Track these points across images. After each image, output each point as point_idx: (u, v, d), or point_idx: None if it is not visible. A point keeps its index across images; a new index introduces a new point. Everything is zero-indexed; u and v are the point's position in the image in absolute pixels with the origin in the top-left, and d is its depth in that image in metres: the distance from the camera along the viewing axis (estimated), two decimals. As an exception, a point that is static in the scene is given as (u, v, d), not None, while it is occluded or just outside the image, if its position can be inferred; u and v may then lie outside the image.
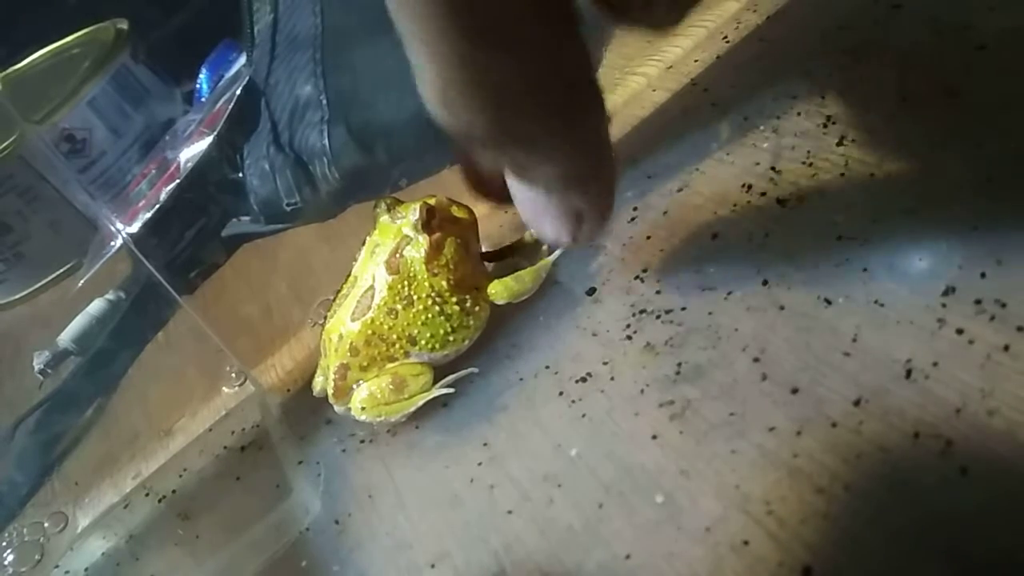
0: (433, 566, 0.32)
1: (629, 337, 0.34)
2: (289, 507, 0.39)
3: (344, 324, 0.38)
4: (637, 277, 0.36)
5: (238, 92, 0.59)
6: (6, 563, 0.44)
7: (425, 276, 0.37)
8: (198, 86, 0.67)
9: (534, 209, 0.29)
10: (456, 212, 0.39)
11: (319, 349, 0.41)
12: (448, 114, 0.22)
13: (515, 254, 0.41)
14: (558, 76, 0.23)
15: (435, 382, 0.38)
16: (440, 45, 0.21)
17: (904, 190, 0.32)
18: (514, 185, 0.28)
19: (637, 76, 0.49)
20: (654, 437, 0.30)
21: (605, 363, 0.34)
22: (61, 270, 0.60)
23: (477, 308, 0.38)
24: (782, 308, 0.31)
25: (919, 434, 0.24)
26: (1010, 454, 0.23)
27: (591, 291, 0.38)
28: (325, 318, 0.40)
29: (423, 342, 0.38)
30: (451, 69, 0.21)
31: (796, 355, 0.29)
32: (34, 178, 0.57)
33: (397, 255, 0.38)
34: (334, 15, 0.58)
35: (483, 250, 0.41)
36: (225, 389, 0.49)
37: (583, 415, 0.33)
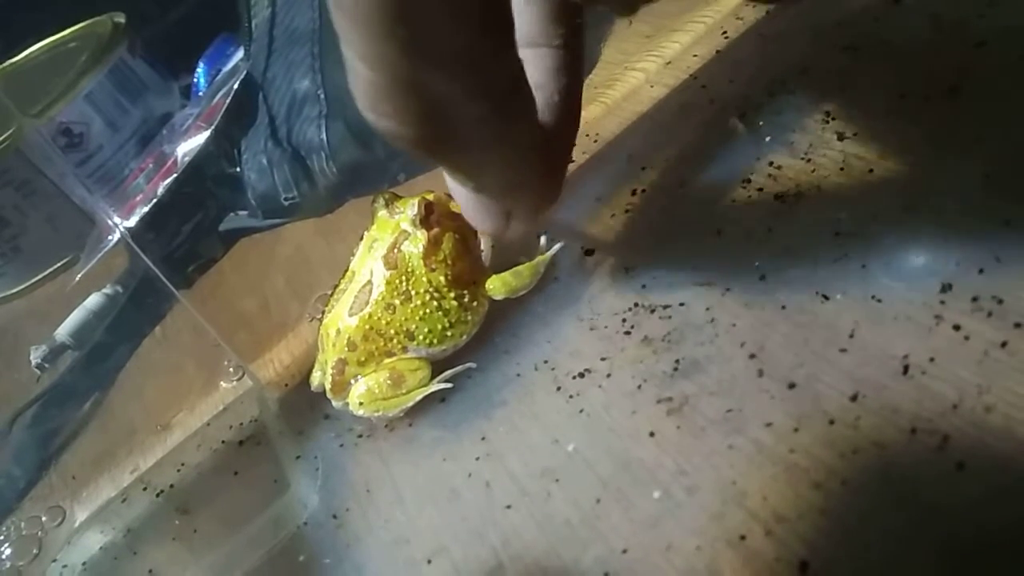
0: (430, 561, 0.32)
1: (627, 332, 0.34)
2: (287, 502, 0.39)
3: (342, 319, 0.38)
4: (635, 272, 0.36)
5: (236, 86, 0.59)
6: (4, 557, 0.44)
7: (423, 271, 0.37)
8: (196, 80, 0.67)
9: (466, 201, 0.30)
10: (454, 207, 0.39)
11: (317, 344, 0.41)
12: (378, 119, 0.22)
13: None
14: (489, 91, 0.23)
15: (433, 377, 0.38)
16: (372, 53, 0.20)
17: (903, 187, 0.32)
18: (448, 177, 0.29)
19: (636, 72, 0.49)
20: (651, 433, 0.30)
21: (603, 358, 0.34)
22: (58, 264, 0.60)
23: (475, 303, 0.38)
24: (781, 305, 0.31)
25: (916, 430, 0.25)
26: (1007, 450, 0.23)
27: (589, 286, 0.38)
28: (323, 313, 0.40)
29: (421, 337, 0.38)
30: (383, 78, 0.21)
31: (793, 351, 0.29)
32: (31, 172, 0.57)
33: (395, 250, 0.37)
34: (332, 9, 0.58)
35: (481, 246, 0.41)
36: (223, 384, 0.49)
37: (581, 410, 0.33)
